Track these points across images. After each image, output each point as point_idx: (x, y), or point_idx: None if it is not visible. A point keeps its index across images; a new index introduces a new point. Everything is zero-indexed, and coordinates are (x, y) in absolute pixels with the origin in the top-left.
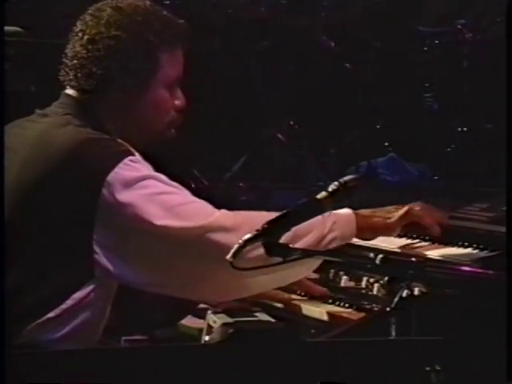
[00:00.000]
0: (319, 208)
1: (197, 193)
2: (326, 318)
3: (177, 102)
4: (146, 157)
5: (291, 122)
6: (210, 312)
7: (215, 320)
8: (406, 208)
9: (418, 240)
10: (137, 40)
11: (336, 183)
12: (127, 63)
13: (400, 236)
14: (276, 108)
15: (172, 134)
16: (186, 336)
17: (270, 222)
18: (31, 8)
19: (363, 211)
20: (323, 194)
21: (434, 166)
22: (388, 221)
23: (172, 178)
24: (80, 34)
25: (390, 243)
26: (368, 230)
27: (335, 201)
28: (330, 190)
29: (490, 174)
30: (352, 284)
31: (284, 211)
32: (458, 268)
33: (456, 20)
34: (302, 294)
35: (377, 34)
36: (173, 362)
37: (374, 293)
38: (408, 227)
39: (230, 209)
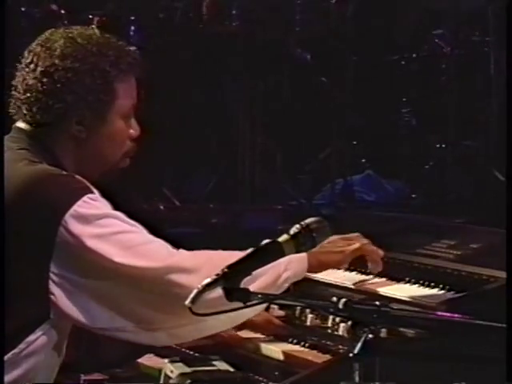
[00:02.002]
0: (281, 251)
1: (168, 213)
2: (289, 359)
3: (132, 132)
4: (106, 194)
5: (263, 139)
6: (167, 361)
7: (172, 369)
8: (357, 245)
9: (371, 276)
10: (93, 71)
11: (298, 226)
12: (85, 95)
13: (350, 270)
14: (249, 124)
15: (126, 162)
16: (146, 376)
17: (230, 266)
18: None
19: None
20: (285, 236)
21: (412, 183)
22: (338, 257)
23: (143, 198)
24: (32, 66)
25: (347, 279)
26: (318, 266)
27: (297, 244)
28: (291, 232)
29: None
30: (318, 322)
31: (244, 255)
32: (424, 312)
33: (433, 30)
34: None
35: (353, 48)
36: None
37: (340, 333)
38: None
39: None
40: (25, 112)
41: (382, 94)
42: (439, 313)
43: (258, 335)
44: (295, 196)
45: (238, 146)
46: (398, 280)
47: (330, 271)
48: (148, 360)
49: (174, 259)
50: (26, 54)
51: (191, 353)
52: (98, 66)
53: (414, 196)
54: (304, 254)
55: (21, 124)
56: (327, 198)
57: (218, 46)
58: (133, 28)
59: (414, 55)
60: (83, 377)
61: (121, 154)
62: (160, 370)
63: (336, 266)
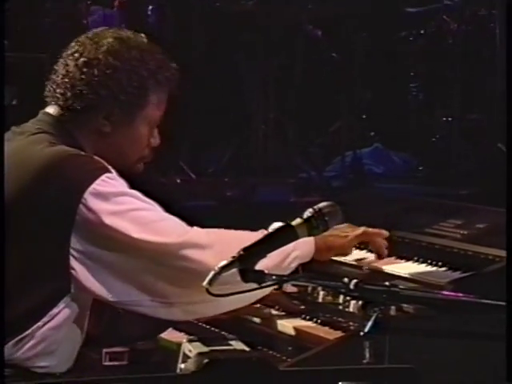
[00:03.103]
0: (294, 234)
1: (184, 186)
2: (301, 335)
3: (152, 141)
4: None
5: (276, 114)
6: (185, 340)
7: (190, 349)
8: (361, 230)
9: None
10: (132, 74)
11: (311, 210)
12: (117, 93)
13: (361, 248)
14: (262, 100)
15: (140, 168)
16: (165, 350)
17: (245, 249)
18: (13, 21)
19: None
20: (298, 220)
21: (419, 155)
22: (344, 240)
23: (159, 171)
24: (76, 55)
25: (358, 257)
26: (325, 250)
27: (310, 227)
28: (304, 216)
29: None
30: (329, 299)
31: (259, 238)
32: (433, 292)
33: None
34: (280, 309)
35: (363, 24)
36: None
37: (351, 310)
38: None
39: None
40: (58, 95)
41: (391, 69)
42: (446, 292)
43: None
44: (306, 169)
45: (252, 121)
46: (407, 259)
47: None
48: (167, 334)
49: (189, 235)
50: (73, 43)
51: (207, 327)
52: (137, 70)
53: (420, 168)
54: (311, 237)
55: (49, 109)
56: (337, 171)
57: (234, 23)
58: (150, 7)
59: (422, 31)
60: (105, 349)
61: (137, 157)
62: (179, 345)
63: (342, 249)
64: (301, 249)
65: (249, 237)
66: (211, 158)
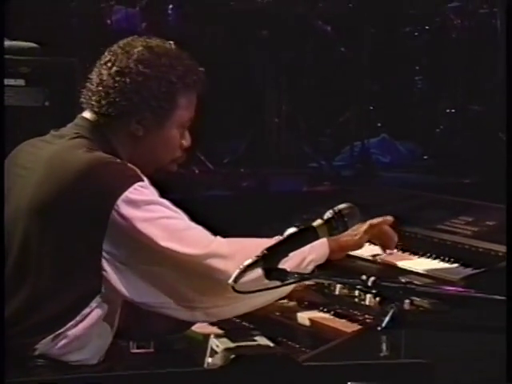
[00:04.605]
0: (315, 235)
1: (202, 177)
2: (319, 327)
3: (184, 142)
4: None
5: (287, 107)
6: (212, 336)
7: (218, 344)
8: (367, 224)
9: (395, 250)
10: (161, 80)
11: (331, 211)
12: (149, 99)
13: (375, 244)
14: (275, 93)
15: (174, 168)
16: (191, 339)
17: (269, 249)
18: (46, 24)
19: None
20: (319, 221)
21: (424, 145)
22: (355, 238)
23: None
24: (109, 64)
25: (373, 253)
26: (339, 250)
27: (330, 228)
28: (325, 218)
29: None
30: (346, 292)
31: (282, 238)
32: (447, 289)
33: (445, 5)
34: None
35: (371, 21)
36: None
37: (367, 303)
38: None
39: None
40: (93, 103)
41: (397, 62)
42: (453, 288)
43: (291, 303)
44: (317, 158)
45: (265, 113)
46: (420, 254)
47: None
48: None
49: (213, 246)
50: (106, 53)
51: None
52: (166, 76)
53: (425, 157)
54: (325, 239)
55: (86, 114)
56: (346, 160)
57: (248, 20)
58: (170, 6)
59: (427, 27)
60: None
61: (169, 159)
62: (204, 335)
63: (355, 247)
64: (316, 251)
65: (268, 245)
66: (227, 150)
